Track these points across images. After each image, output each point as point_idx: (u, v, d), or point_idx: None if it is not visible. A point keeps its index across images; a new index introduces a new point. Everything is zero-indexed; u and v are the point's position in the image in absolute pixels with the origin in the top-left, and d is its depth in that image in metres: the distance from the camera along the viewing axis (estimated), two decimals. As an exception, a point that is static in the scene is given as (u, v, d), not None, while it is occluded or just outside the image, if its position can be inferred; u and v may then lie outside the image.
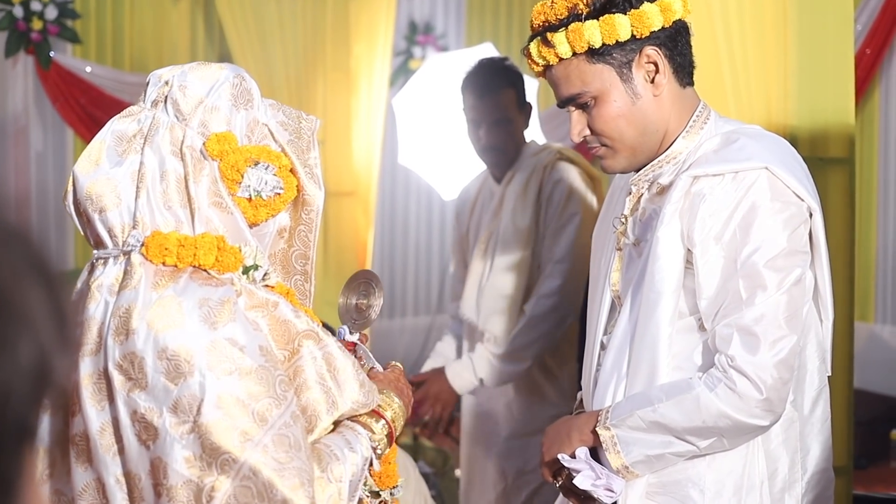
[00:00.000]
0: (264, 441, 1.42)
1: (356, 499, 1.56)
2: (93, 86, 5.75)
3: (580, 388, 2.09)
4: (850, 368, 2.66)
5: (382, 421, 1.65)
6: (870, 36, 5.60)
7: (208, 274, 1.52)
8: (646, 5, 1.82)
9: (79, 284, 1.59)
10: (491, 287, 3.12)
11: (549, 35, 1.83)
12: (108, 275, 1.53)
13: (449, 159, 5.14)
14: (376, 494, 1.70)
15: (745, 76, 2.47)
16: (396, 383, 1.74)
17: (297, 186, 1.62)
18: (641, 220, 1.92)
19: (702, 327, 1.83)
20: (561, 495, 1.98)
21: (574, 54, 1.83)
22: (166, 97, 1.59)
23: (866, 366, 5.69)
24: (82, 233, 1.61)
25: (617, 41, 1.81)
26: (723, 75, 2.47)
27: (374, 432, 1.62)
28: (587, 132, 1.88)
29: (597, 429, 1.85)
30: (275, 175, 1.57)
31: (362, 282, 1.86)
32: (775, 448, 1.87)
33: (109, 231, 1.54)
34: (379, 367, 1.79)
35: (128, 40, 5.87)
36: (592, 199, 3.14)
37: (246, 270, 1.55)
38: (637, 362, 1.85)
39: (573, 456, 1.88)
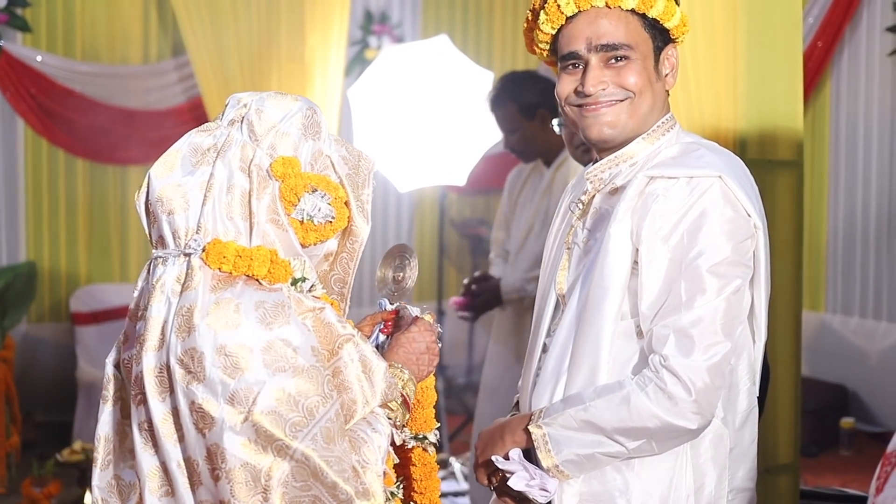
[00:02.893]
0: (313, 432, 1.59)
1: (383, 468, 1.70)
2: (43, 75, 5.68)
3: (517, 392, 2.11)
4: (797, 372, 2.69)
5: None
6: (821, 29, 5.66)
7: (259, 283, 1.66)
8: (683, 13, 1.93)
9: (140, 283, 1.74)
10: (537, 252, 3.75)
11: None
12: (169, 274, 1.67)
13: (404, 151, 5.14)
14: (422, 439, 1.91)
15: (694, 79, 2.49)
16: (409, 347, 1.85)
17: (347, 217, 1.76)
18: (594, 219, 1.94)
19: (640, 333, 1.85)
20: (494, 496, 1.99)
21: (633, 11, 1.88)
22: (243, 118, 1.73)
23: (817, 354, 5.78)
24: (146, 230, 1.75)
25: (664, 25, 1.90)
26: (673, 78, 2.48)
27: (391, 409, 1.76)
28: (604, 85, 1.89)
29: (529, 427, 1.86)
30: (329, 204, 1.72)
31: (397, 255, 1.97)
32: (703, 463, 1.89)
33: (174, 233, 1.68)
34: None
35: (79, 29, 5.80)
36: None
37: (294, 282, 1.70)
38: (579, 359, 1.86)
39: (507, 458, 1.89)
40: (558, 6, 1.89)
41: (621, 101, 1.88)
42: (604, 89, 1.88)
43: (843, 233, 5.83)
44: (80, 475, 4.42)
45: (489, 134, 5.05)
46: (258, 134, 1.71)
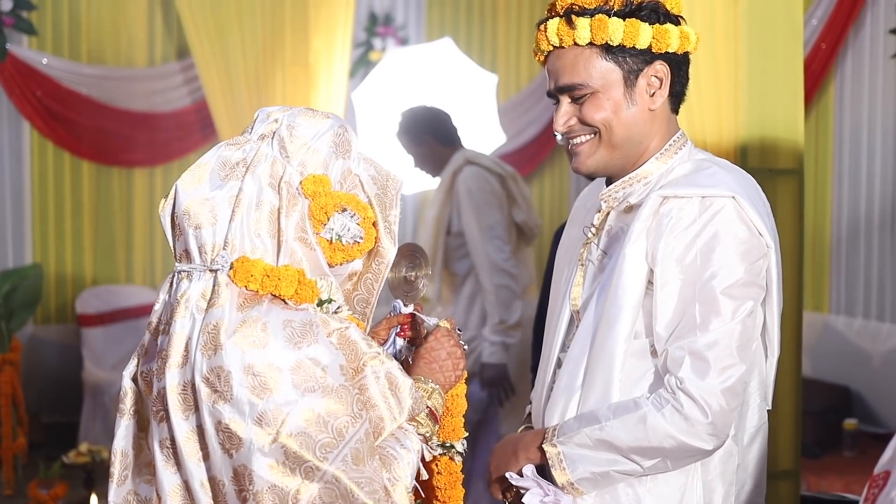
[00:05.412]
0: (343, 453, 1.57)
1: (412, 484, 1.70)
2: (49, 78, 5.70)
3: (529, 402, 2.12)
4: (797, 379, 2.70)
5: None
6: (825, 30, 5.66)
7: (285, 303, 1.64)
8: (669, 25, 1.89)
9: (162, 296, 1.72)
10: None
11: (574, 17, 1.87)
12: (194, 289, 1.64)
13: (408, 154, 5.15)
14: (449, 447, 1.88)
15: (696, 89, 2.49)
16: (429, 357, 1.83)
17: (375, 238, 1.74)
18: (608, 237, 1.96)
19: (654, 353, 1.86)
20: None
21: (590, 44, 1.87)
22: (274, 133, 1.71)
23: (820, 356, 5.79)
24: (170, 242, 1.72)
25: (634, 46, 1.87)
26: (674, 88, 2.49)
27: (420, 423, 1.74)
28: (573, 122, 1.91)
29: (543, 445, 1.88)
30: (358, 224, 1.70)
31: (407, 254, 1.92)
32: (713, 479, 1.91)
33: (201, 247, 1.66)
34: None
35: (85, 32, 5.82)
36: (491, 189, 4.35)
37: (321, 303, 1.68)
38: (592, 377, 1.88)
39: (521, 474, 1.91)
40: (537, 48, 1.94)
41: (591, 136, 1.91)
42: (572, 127, 1.92)
43: (847, 232, 5.83)
44: (87, 477, 4.45)
45: (492, 136, 5.07)
46: (289, 151, 1.69)
